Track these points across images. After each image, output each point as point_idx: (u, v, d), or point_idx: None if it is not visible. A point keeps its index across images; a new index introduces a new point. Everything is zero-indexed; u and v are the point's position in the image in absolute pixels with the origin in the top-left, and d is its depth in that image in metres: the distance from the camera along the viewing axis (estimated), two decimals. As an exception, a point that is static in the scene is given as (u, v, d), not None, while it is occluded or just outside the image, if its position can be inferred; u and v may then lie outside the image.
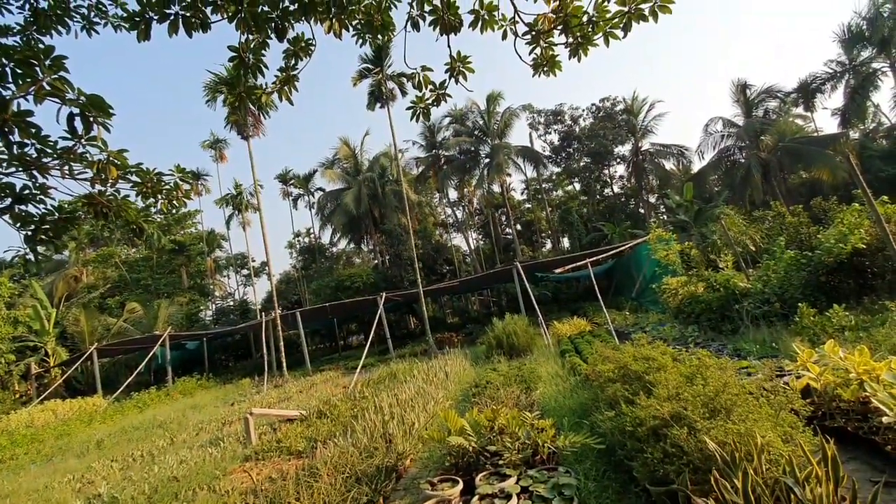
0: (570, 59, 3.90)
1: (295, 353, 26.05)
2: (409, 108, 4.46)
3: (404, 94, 23.99)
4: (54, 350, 25.57)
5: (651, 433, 3.60)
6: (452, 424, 4.78)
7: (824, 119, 57.90)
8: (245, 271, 47.38)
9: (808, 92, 29.72)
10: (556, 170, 41.74)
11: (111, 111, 2.78)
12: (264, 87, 4.18)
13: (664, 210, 37.20)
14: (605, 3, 3.48)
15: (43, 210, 3.03)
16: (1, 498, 7.49)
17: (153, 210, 3.63)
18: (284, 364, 20.35)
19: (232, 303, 43.42)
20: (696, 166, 33.36)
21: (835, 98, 29.52)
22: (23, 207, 2.96)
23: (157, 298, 32.59)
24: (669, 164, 35.25)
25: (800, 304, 7.85)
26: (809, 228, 11.26)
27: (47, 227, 3.06)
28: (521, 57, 4.04)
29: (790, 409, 3.66)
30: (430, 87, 4.37)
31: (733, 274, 10.65)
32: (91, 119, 2.73)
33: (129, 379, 21.30)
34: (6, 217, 2.93)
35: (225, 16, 3.78)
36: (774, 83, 30.14)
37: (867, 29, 27.00)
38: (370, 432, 6.30)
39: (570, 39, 3.80)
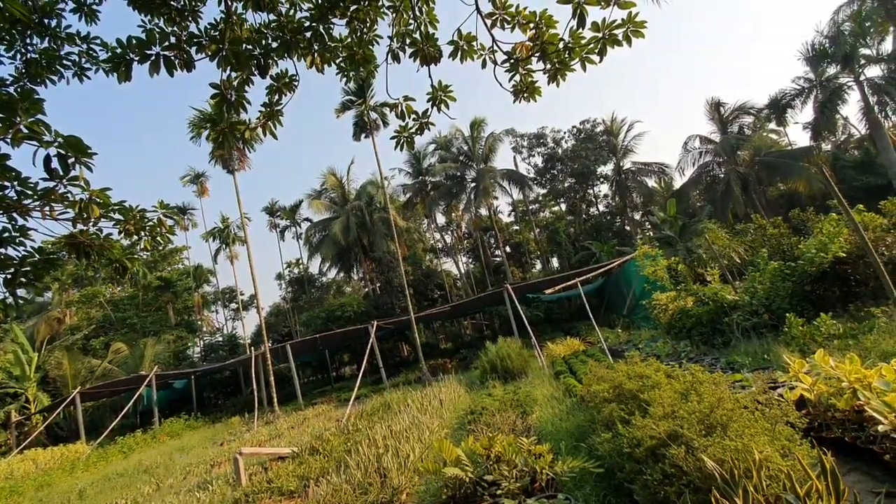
0: (548, 84, 4.01)
1: (286, 388, 25.45)
2: (393, 138, 4.52)
3: (387, 124, 24.38)
4: (35, 396, 24.67)
5: (649, 454, 3.55)
6: (448, 455, 4.67)
7: (797, 133, 59.95)
8: (234, 305, 46.71)
9: (779, 107, 30.71)
10: (542, 191, 42.30)
11: (90, 151, 2.77)
12: (248, 122, 4.21)
13: (650, 226, 37.79)
14: (580, 30, 3.59)
15: (23, 252, 2.98)
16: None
17: (138, 248, 3.59)
18: (275, 399, 19.85)
19: (220, 338, 42.59)
20: (678, 183, 34.11)
21: (805, 113, 30.47)
22: (1, 250, 2.91)
23: (143, 337, 31.83)
24: (652, 182, 35.99)
25: (787, 314, 7.93)
26: (790, 239, 11.48)
27: (27, 269, 3.00)
28: (501, 84, 4.13)
29: (786, 422, 3.64)
30: (412, 116, 4.44)
31: (721, 287, 10.75)
32: (70, 160, 2.72)
33: (114, 423, 20.59)
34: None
35: (207, 54, 3.83)
36: (747, 100, 31.14)
37: (830, 46, 28.21)
38: (364, 467, 6.13)
39: (548, 66, 3.90)
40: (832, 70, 28.64)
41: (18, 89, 3.74)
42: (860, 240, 7.92)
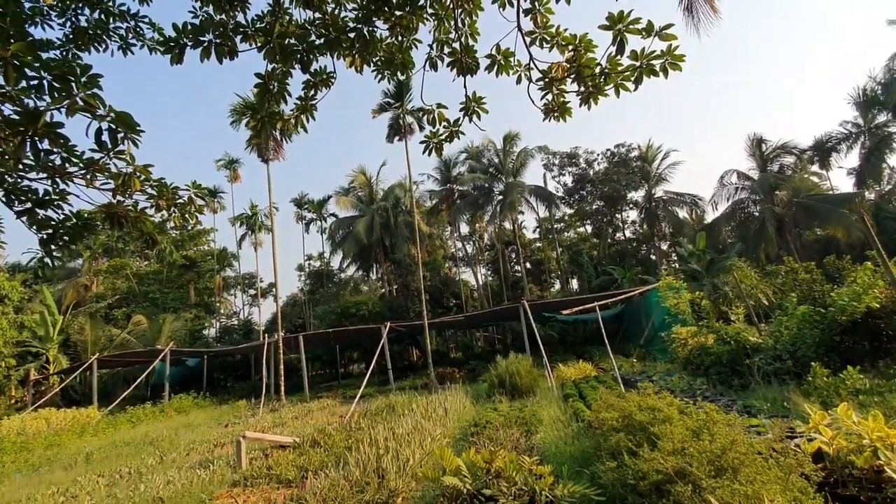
0: (580, 106, 4.00)
1: (294, 378, 25.71)
2: (422, 143, 4.57)
3: (422, 128, 24.56)
4: (56, 357, 25.57)
5: (654, 488, 3.46)
6: (448, 463, 4.63)
7: (840, 178, 58.02)
8: (252, 291, 47.57)
9: (823, 150, 29.88)
10: (569, 211, 41.99)
11: (139, 128, 2.89)
12: (283, 113, 4.32)
13: (676, 258, 36.98)
14: (618, 57, 3.58)
15: (62, 215, 3.11)
16: (-19, 508, 7.34)
17: (168, 225, 3.71)
18: (283, 388, 20.08)
19: (236, 322, 43.42)
20: (710, 216, 33.38)
21: (850, 158, 29.57)
22: (42, 211, 3.04)
23: (163, 312, 32.65)
24: (683, 213, 35.32)
25: (813, 363, 7.64)
26: (823, 286, 11.07)
27: (64, 231, 3.13)
28: (532, 101, 4.15)
29: (801, 474, 3.49)
30: (444, 123, 4.48)
31: (744, 327, 10.43)
32: (119, 135, 2.83)
33: (126, 392, 21.11)
34: (24, 219, 3.00)
35: (254, 45, 3.95)
36: (790, 139, 30.32)
37: (882, 93, 27.34)
38: (363, 466, 6.13)
39: (582, 88, 3.90)
40: (882, 117, 27.76)
41: (63, 54, 3.91)
42: (897, 294, 7.60)
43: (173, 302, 36.29)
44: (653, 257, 37.65)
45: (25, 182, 2.96)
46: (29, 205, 3.00)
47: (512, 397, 11.92)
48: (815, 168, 32.49)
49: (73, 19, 4.09)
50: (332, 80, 4.19)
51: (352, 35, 4.05)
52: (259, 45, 3.87)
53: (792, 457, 3.67)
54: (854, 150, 29.38)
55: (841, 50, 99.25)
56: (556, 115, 4.11)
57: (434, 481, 4.67)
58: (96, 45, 4.12)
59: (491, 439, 6.64)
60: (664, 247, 38.27)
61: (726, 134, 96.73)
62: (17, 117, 2.69)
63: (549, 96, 4.05)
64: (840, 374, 7.14)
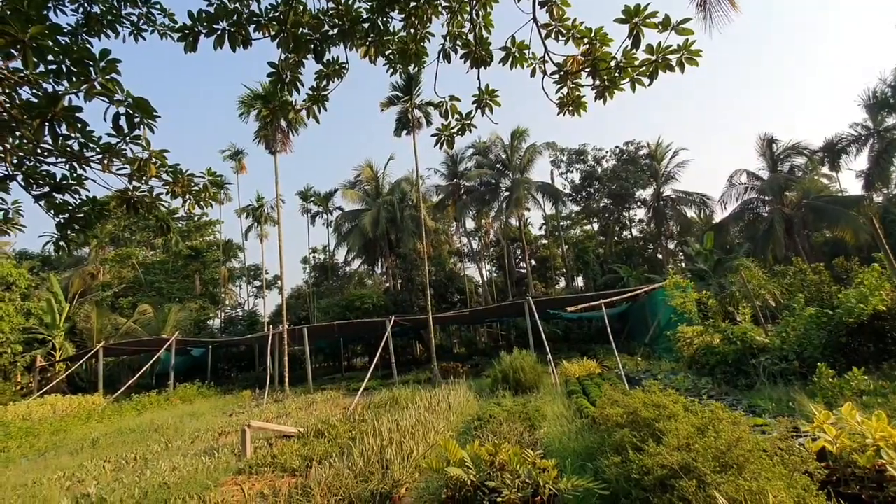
0: (595, 100, 3.99)
1: (298, 370, 25.84)
2: (434, 135, 4.57)
3: (430, 123, 24.53)
4: (62, 345, 25.82)
5: (658, 483, 3.47)
6: (452, 455, 4.66)
7: (849, 180, 57.54)
8: (257, 283, 47.79)
9: (833, 152, 29.56)
10: (576, 208, 41.84)
11: (155, 114, 2.91)
12: (295, 103, 4.33)
13: (683, 257, 36.84)
14: (633, 51, 3.57)
15: (78, 200, 3.15)
16: (-13, 490, 7.43)
17: (182, 211, 3.74)
18: (287, 379, 20.21)
19: (241, 313, 43.64)
20: (719, 216, 33.14)
21: (860, 160, 29.23)
22: (60, 196, 3.08)
23: (168, 302, 32.87)
24: (691, 212, 35.09)
25: (818, 363, 7.62)
26: (831, 287, 11.01)
27: (80, 215, 3.17)
28: (547, 94, 4.13)
29: (804, 471, 3.50)
30: (456, 116, 4.48)
31: (751, 328, 10.40)
32: (136, 120, 2.86)
33: (132, 380, 21.34)
34: (42, 203, 3.04)
35: (268, 34, 3.96)
36: (801, 140, 30.04)
37: (892, 96, 27.02)
38: (367, 456, 6.17)
39: (598, 82, 3.89)
40: (892, 120, 27.44)
41: (75, 39, 3.92)
42: (907, 296, 7.55)
43: (179, 292, 36.54)
44: (659, 256, 37.48)
45: (44, 167, 3.00)
46: (47, 189, 3.04)
47: (515, 393, 11.94)
48: (825, 170, 32.20)
49: (86, 5, 4.10)
50: (345, 71, 4.20)
51: (366, 25, 4.05)
52: (272, 34, 3.88)
53: (796, 455, 3.68)
54: (863, 152, 29.07)
55: (851, 51, 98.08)
56: (570, 109, 4.11)
57: (438, 472, 4.71)
58: (107, 31, 4.13)
59: (494, 433, 6.67)
60: (671, 246, 38.06)
61: (737, 133, 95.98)
62: (35, 101, 2.72)
63: (564, 90, 4.04)
64: (845, 375, 7.12)
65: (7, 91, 2.85)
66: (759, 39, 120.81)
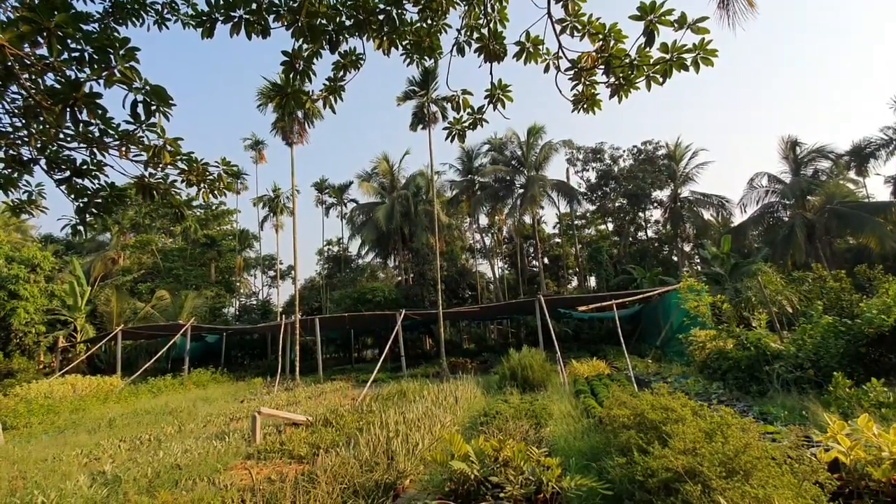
0: (610, 98, 3.93)
1: (309, 360, 26.19)
2: (445, 129, 4.56)
3: (445, 118, 24.46)
4: (83, 326, 26.52)
5: (663, 486, 3.44)
6: (457, 449, 4.68)
7: (876, 185, 55.73)
8: (271, 273, 48.42)
9: (861, 156, 28.78)
10: (591, 207, 41.45)
11: (171, 102, 2.96)
12: (311, 94, 4.35)
13: (698, 260, 36.27)
14: (648, 49, 3.50)
15: (97, 185, 3.22)
16: (10, 464, 7.69)
17: (195, 203, 3.82)
18: (298, 368, 20.48)
19: (255, 302, 44.30)
20: (737, 220, 32.49)
21: (889, 166, 28.41)
22: (79, 181, 3.16)
23: (185, 289, 33.52)
24: (708, 214, 34.47)
25: (835, 373, 7.45)
26: (852, 296, 10.74)
27: (99, 200, 3.25)
28: (561, 91, 4.09)
29: (815, 482, 3.43)
30: (468, 110, 4.46)
31: (766, 334, 10.20)
32: (153, 108, 2.91)
33: (148, 364, 21.82)
34: (63, 188, 3.13)
35: (283, 24, 3.99)
36: (826, 143, 29.23)
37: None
38: (373, 447, 6.24)
39: (612, 80, 3.83)
40: (927, 124, 26.55)
41: (102, 26, 4.00)
42: (931, 307, 7.33)
43: (195, 279, 37.21)
44: (674, 258, 36.97)
45: (65, 152, 3.07)
46: (68, 173, 3.12)
47: (523, 390, 11.92)
48: (851, 174, 31.33)
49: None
50: (362, 62, 4.21)
51: (381, 17, 4.05)
52: (287, 23, 3.90)
53: (807, 464, 3.61)
54: (893, 156, 28.24)
55: (884, 52, 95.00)
56: (585, 106, 4.06)
57: (442, 465, 4.73)
58: (133, 19, 4.20)
59: (500, 429, 6.67)
60: (687, 248, 37.49)
61: (763, 136, 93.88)
62: (58, 87, 2.79)
63: (579, 87, 4.00)
64: (863, 386, 6.95)
65: (33, 77, 2.93)
66: (785, 40, 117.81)
